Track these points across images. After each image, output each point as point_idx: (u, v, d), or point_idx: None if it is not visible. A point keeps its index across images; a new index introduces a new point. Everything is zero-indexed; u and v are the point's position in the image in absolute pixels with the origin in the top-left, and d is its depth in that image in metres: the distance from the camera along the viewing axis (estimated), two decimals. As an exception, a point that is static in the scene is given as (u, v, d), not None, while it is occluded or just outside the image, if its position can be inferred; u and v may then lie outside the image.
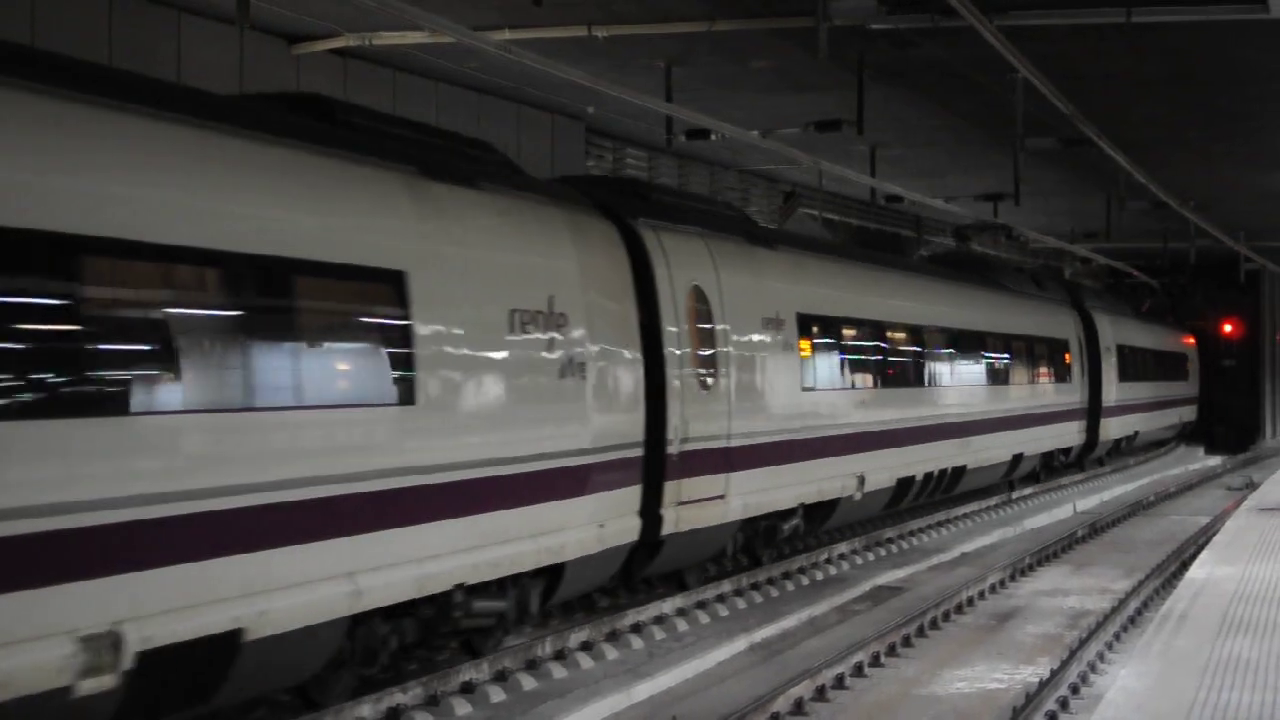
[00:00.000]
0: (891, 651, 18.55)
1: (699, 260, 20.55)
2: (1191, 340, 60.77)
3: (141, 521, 10.76)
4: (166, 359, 11.25)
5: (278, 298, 12.59)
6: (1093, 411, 43.21)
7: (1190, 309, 61.45)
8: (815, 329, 24.20)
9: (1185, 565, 22.19)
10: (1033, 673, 17.31)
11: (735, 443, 20.97)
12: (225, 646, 11.67)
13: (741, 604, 21.41)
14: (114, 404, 10.70)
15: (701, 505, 20.08)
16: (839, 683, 16.74)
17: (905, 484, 28.20)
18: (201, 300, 11.76)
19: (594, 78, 19.90)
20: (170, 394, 11.28)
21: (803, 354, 23.53)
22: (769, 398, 22.31)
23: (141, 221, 11.05)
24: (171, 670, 11.19)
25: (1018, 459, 36.06)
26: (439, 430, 14.45)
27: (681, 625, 19.61)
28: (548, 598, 17.14)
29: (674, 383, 19.32)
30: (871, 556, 26.68)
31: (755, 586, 22.42)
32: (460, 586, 14.89)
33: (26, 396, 10.08)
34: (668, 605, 20.08)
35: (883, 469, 26.68)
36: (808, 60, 20.51)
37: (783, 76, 24.86)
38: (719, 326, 20.71)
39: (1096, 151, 27.38)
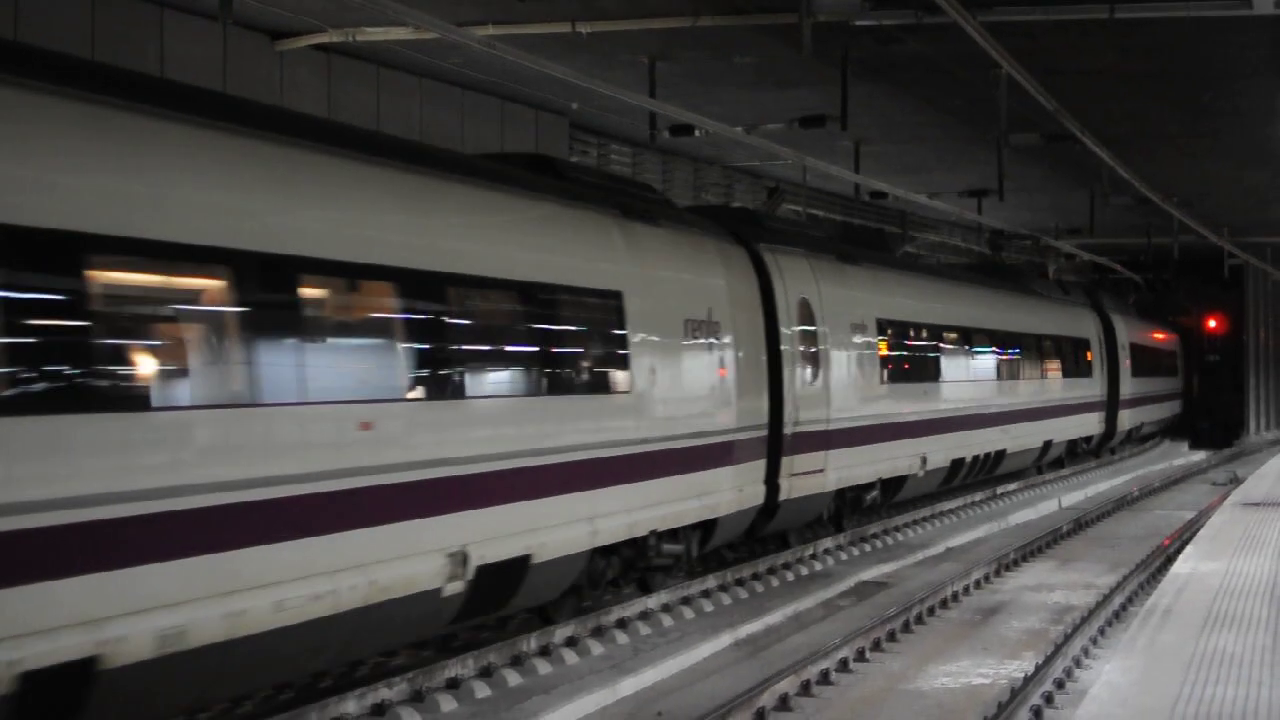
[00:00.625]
0: (876, 647, 18.55)
1: (804, 276, 24.77)
2: (1175, 336, 60.98)
3: (481, 474, 15.27)
4: (509, 360, 16.49)
5: (547, 312, 16.93)
6: (1111, 404, 47.79)
7: (1174, 305, 61.54)
8: (890, 332, 28.63)
9: (1170, 560, 22.22)
10: (1018, 668, 17.32)
11: (832, 426, 25.32)
12: (521, 566, 16.11)
13: (726, 600, 21.41)
14: (475, 390, 15.65)
15: (807, 477, 24.32)
16: (824, 678, 16.74)
17: (958, 464, 32.74)
18: (506, 316, 16.48)
19: (578, 74, 19.91)
20: (512, 385, 16.49)
21: (880, 353, 27.98)
22: (857, 389, 26.64)
23: (464, 261, 15.47)
24: (492, 581, 15.56)
25: (1048, 445, 40.94)
26: (644, 413, 18.87)
27: (667, 621, 19.60)
28: (702, 546, 21.41)
29: (789, 377, 23.58)
30: (856, 552, 26.69)
31: (740, 582, 22.42)
32: (654, 532, 19.33)
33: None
34: (653, 601, 20.07)
35: (941, 451, 31.20)
36: (792, 56, 20.54)
37: (767, 72, 24.88)
38: (820, 330, 24.99)
39: (1080, 147, 27.42)
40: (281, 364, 12.67)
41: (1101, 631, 19.39)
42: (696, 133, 25.83)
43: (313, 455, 12.85)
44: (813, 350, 24.67)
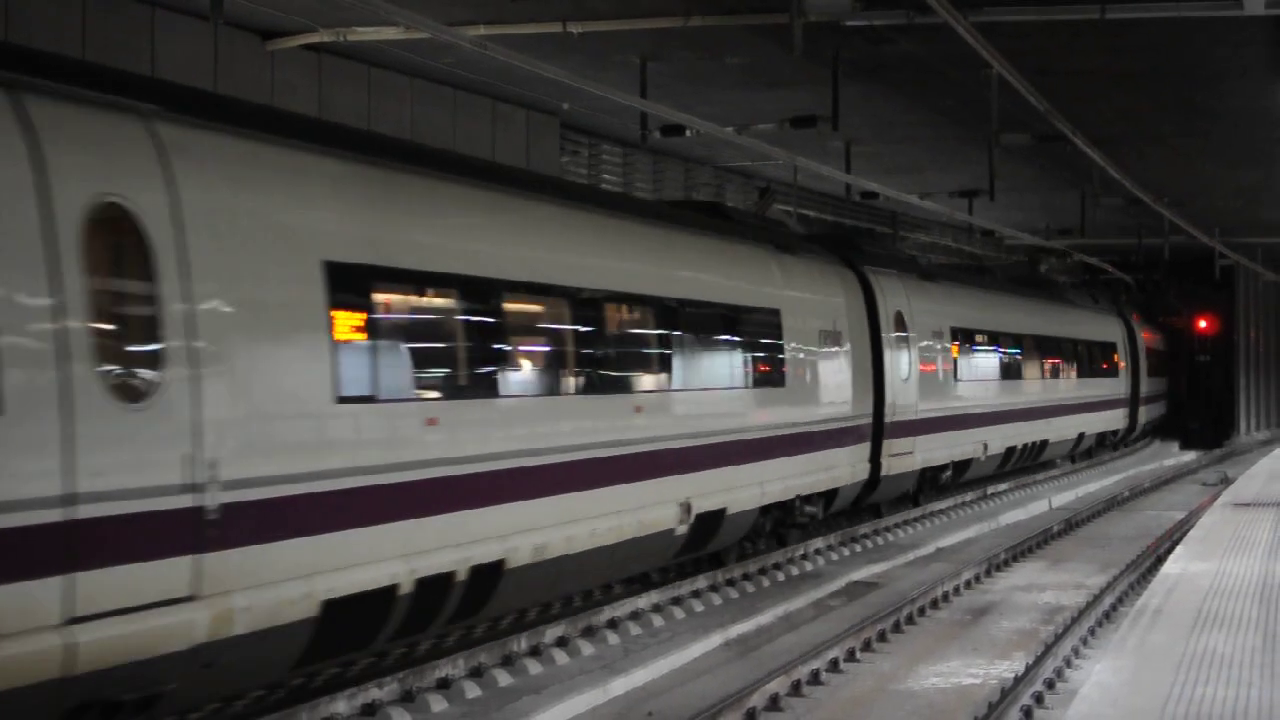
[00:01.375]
0: (867, 647, 18.57)
1: (898, 292, 29.97)
2: (1161, 337, 61.20)
3: (697, 448, 20.47)
4: (710, 363, 21.57)
5: (736, 327, 22.39)
6: (1133, 400, 53.43)
7: (1165, 305, 61.56)
8: (960, 337, 33.75)
9: (1160, 560, 22.24)
10: (1008, 668, 17.34)
11: (919, 416, 30.41)
12: (720, 516, 21.28)
13: (717, 600, 21.43)
14: (690, 384, 20.70)
15: (901, 458, 29.42)
16: (814, 678, 16.75)
17: (1010, 451, 37.85)
18: (711, 331, 21.68)
19: (569, 74, 19.90)
20: (713, 381, 21.51)
21: (953, 355, 33.17)
22: (937, 386, 31.84)
23: (686, 289, 20.84)
24: (704, 526, 20.77)
25: (1082, 436, 46.50)
26: (793, 404, 24.20)
27: (657, 621, 19.62)
28: (825, 510, 26.46)
29: (889, 376, 28.74)
30: (847, 552, 26.71)
31: (730, 583, 22.44)
32: (798, 496, 24.50)
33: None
34: (643, 601, 20.09)
35: (999, 439, 36.47)
36: (782, 56, 20.54)
37: (758, 72, 24.88)
38: (910, 336, 30.10)
39: (1071, 147, 27.42)
40: (583, 365, 17.81)
41: (1092, 632, 19.42)
42: (688, 133, 25.82)
43: (607, 431, 18.12)
44: (905, 353, 29.79)
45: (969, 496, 35.39)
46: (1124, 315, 53.85)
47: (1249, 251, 53.28)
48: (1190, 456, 55.24)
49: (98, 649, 10.50)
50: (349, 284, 13.53)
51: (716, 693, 15.70)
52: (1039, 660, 17.13)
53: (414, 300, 15.13)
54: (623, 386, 18.86)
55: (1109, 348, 49.98)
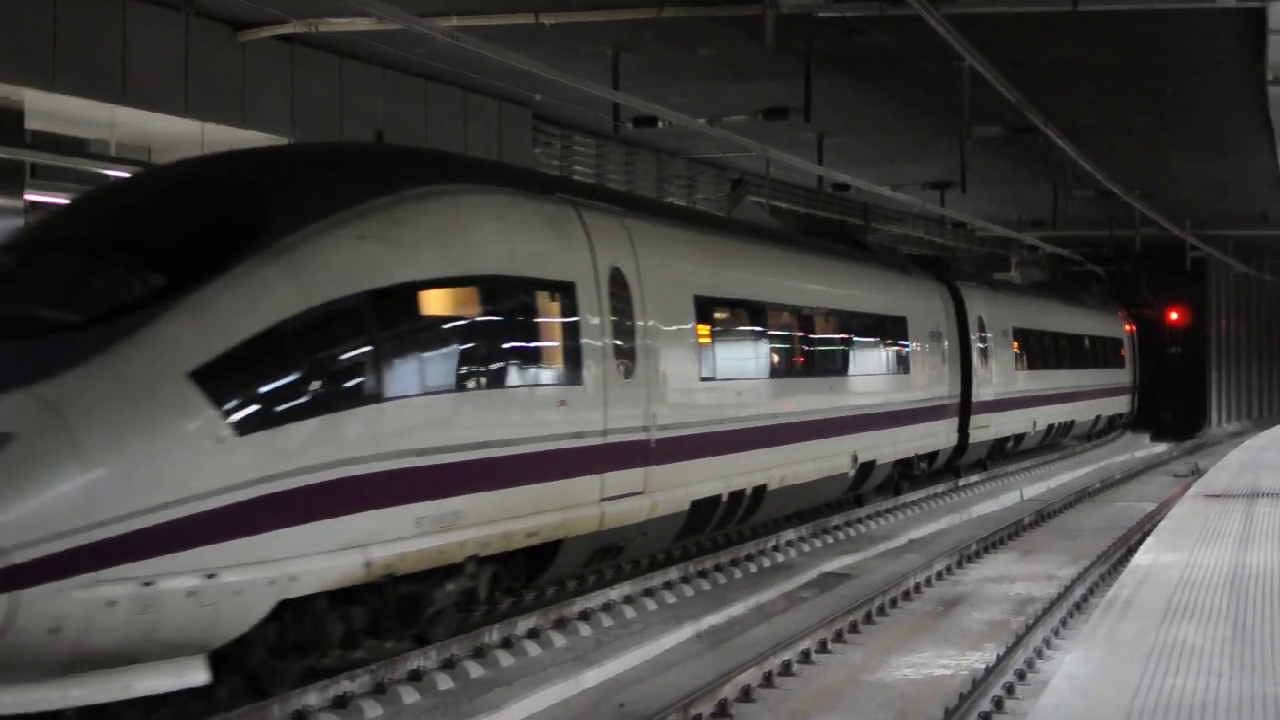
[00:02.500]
0: (839, 638, 18.59)
1: (977, 300, 37.85)
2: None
3: (859, 415, 27.77)
4: (867, 355, 28.97)
5: (880, 329, 29.70)
6: (1134, 389, 59.63)
7: (1136, 296, 61.63)
8: (1019, 336, 41.30)
9: (1131, 551, 22.28)
10: (979, 659, 17.37)
11: (993, 398, 38.33)
12: (872, 465, 28.70)
13: (689, 591, 21.43)
14: (857, 370, 28.23)
15: (981, 429, 37.37)
16: (786, 669, 16.77)
17: (1050, 428, 45.69)
18: (865, 332, 28.67)
19: (541, 65, 19.89)
20: (869, 368, 28.94)
21: (1015, 350, 40.85)
22: (1005, 375, 39.73)
23: (849, 303, 28.02)
24: (862, 472, 27.85)
25: (1098, 418, 53.51)
26: (915, 387, 31.63)
27: (629, 613, 19.61)
28: (930, 466, 34.63)
29: (975, 366, 36.69)
30: (819, 543, 26.73)
31: (702, 574, 22.45)
32: (915, 455, 32.41)
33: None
34: (615, 593, 20.08)
35: (1044, 418, 44.41)
36: (755, 48, 20.52)
37: (730, 64, 24.88)
38: (988, 335, 38.13)
39: (1043, 139, 27.47)
40: (803, 358, 25.57)
41: (1063, 623, 19.45)
42: (660, 124, 25.82)
43: (816, 403, 25.80)
44: (984, 349, 37.64)
45: (940, 488, 35.45)
46: (1126, 312, 59.59)
47: (1220, 243, 53.38)
48: (1161, 448, 55.34)
49: (610, 517, 18.43)
50: (704, 308, 21.34)
51: (688, 684, 15.71)
52: (1010, 651, 17.15)
53: (730, 316, 22.72)
54: (821, 372, 26.55)
55: (1118, 343, 56.82)
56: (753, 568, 23.74)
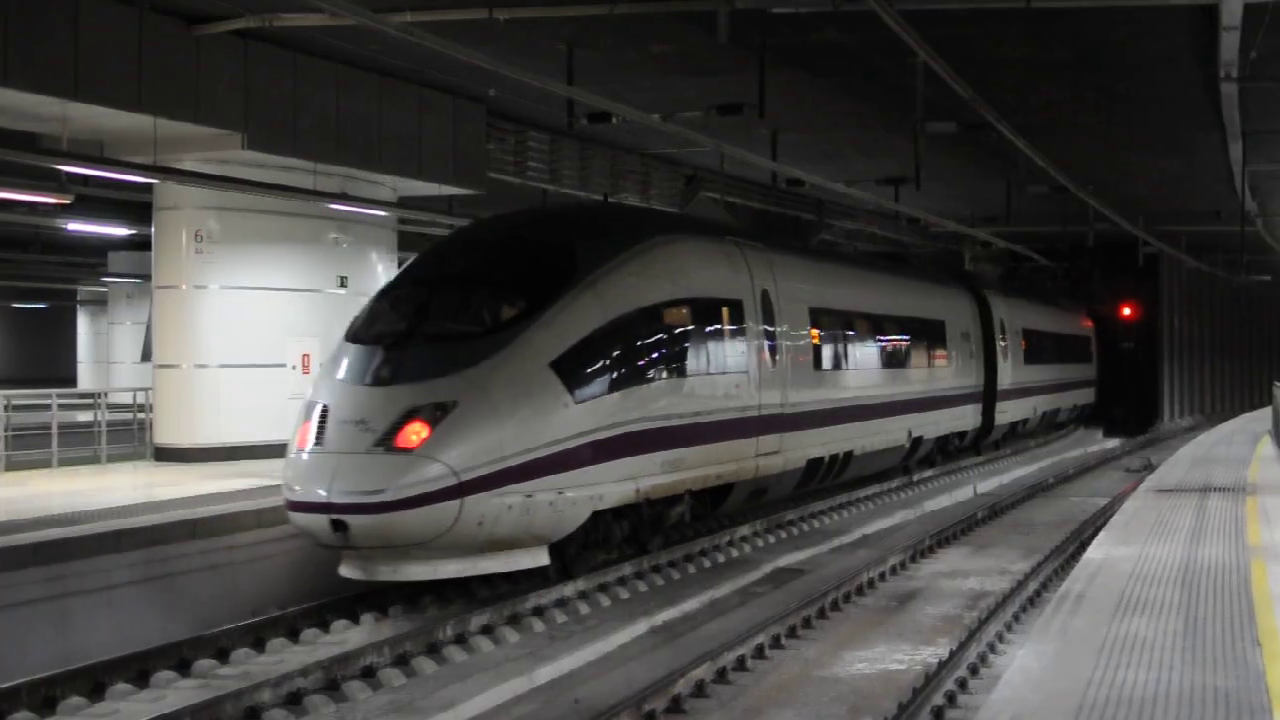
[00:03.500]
0: (792, 633, 18.62)
1: (999, 305, 44.53)
2: None
3: (914, 399, 34.43)
4: (921, 351, 35.67)
5: (925, 330, 35.84)
6: (1097, 381, 63.45)
7: (1090, 292, 61.81)
8: (1026, 336, 47.72)
9: (1084, 546, 22.36)
10: (933, 653, 17.42)
11: (1010, 387, 44.83)
12: (920, 440, 35.24)
13: (642, 587, 21.43)
14: (914, 364, 35.25)
15: (1002, 414, 43.97)
16: (740, 664, 16.79)
17: (1044, 414, 51.91)
18: (916, 334, 35.08)
19: (495, 60, 19.85)
20: (921, 362, 35.68)
21: (1023, 346, 47.10)
22: (1018, 368, 46.04)
23: (905, 308, 35.00)
24: (914, 444, 34.70)
25: (1075, 406, 58.42)
26: (952, 378, 38.06)
27: (583, 608, 19.61)
28: (960, 442, 41.09)
29: (999, 361, 43.21)
30: (772, 539, 26.75)
31: (657, 569, 22.44)
32: (952, 432, 38.93)
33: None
34: (569, 589, 20.07)
35: (1042, 406, 50.94)
36: (710, 43, 20.51)
37: (684, 60, 24.87)
38: (1008, 334, 44.77)
39: (996, 135, 27.52)
40: (875, 353, 32.15)
41: (1016, 617, 19.51)
42: (614, 120, 25.79)
43: (886, 389, 32.21)
44: (1004, 346, 44.14)
45: (894, 484, 35.53)
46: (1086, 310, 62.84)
47: (1173, 239, 53.53)
48: (1114, 443, 55.54)
49: (760, 468, 24.86)
50: (815, 317, 27.74)
51: (643, 679, 15.72)
52: (963, 645, 17.20)
53: (831, 322, 29.06)
54: (887, 365, 33.06)
55: (1088, 340, 61.06)
56: (706, 563, 23.74)
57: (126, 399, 30.82)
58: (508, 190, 31.62)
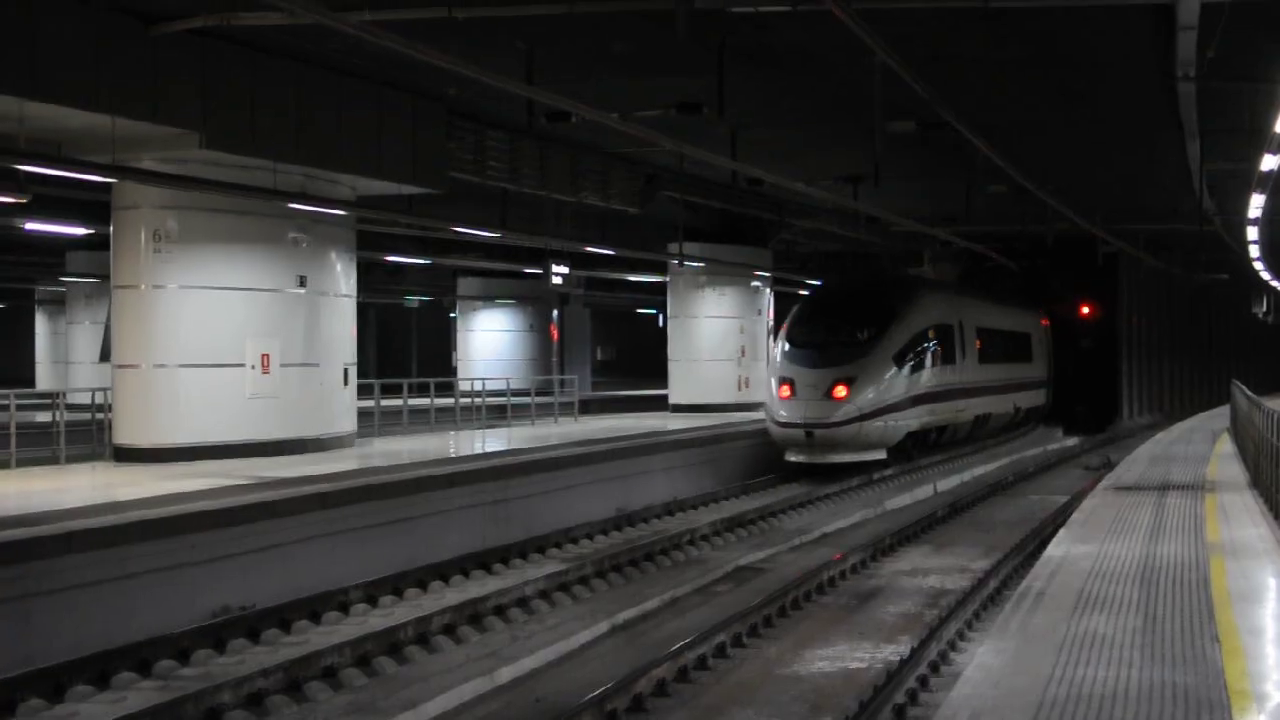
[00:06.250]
0: (753, 632, 18.65)
1: (1051, 317, 58.75)
2: None
3: (1015, 383, 51.75)
4: (1009, 357, 51.93)
5: (1016, 341, 52.56)
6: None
7: (1048, 291, 61.98)
8: (1058, 337, 60.26)
9: (1044, 544, 22.43)
10: (894, 651, 17.47)
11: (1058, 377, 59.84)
12: (1018, 410, 52.52)
13: (604, 587, 21.45)
14: (1010, 359, 51.79)
15: (1056, 396, 58.96)
16: (701, 663, 16.81)
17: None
18: (1011, 343, 51.91)
19: (455, 60, 19.81)
20: (1010, 360, 51.23)
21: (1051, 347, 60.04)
22: (1058, 362, 59.48)
23: (1013, 325, 53.07)
24: (1016, 415, 52.45)
25: None
26: (1033, 371, 55.00)
27: (543, 607, 19.62)
28: (1027, 418, 55.41)
29: (1053, 358, 58.71)
30: (733, 538, 26.80)
31: (618, 569, 22.46)
32: (1034, 406, 55.66)
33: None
34: (529, 588, 20.08)
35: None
36: (669, 42, 20.48)
37: (644, 59, 24.85)
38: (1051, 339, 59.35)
39: (955, 135, 27.56)
40: (996, 354, 48.11)
41: (976, 615, 19.58)
42: (573, 119, 25.74)
43: (1000, 377, 48.04)
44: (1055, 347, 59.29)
45: (854, 482, 35.61)
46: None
47: (1131, 238, 53.70)
48: (1073, 441, 55.75)
49: (958, 418, 43.51)
50: (979, 333, 44.76)
51: (604, 679, 15.71)
52: (924, 644, 17.25)
53: (982, 335, 44.85)
54: (1004, 361, 48.41)
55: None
56: (668, 562, 23.78)
57: (85, 399, 30.64)
58: (468, 190, 31.58)
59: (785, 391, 36.32)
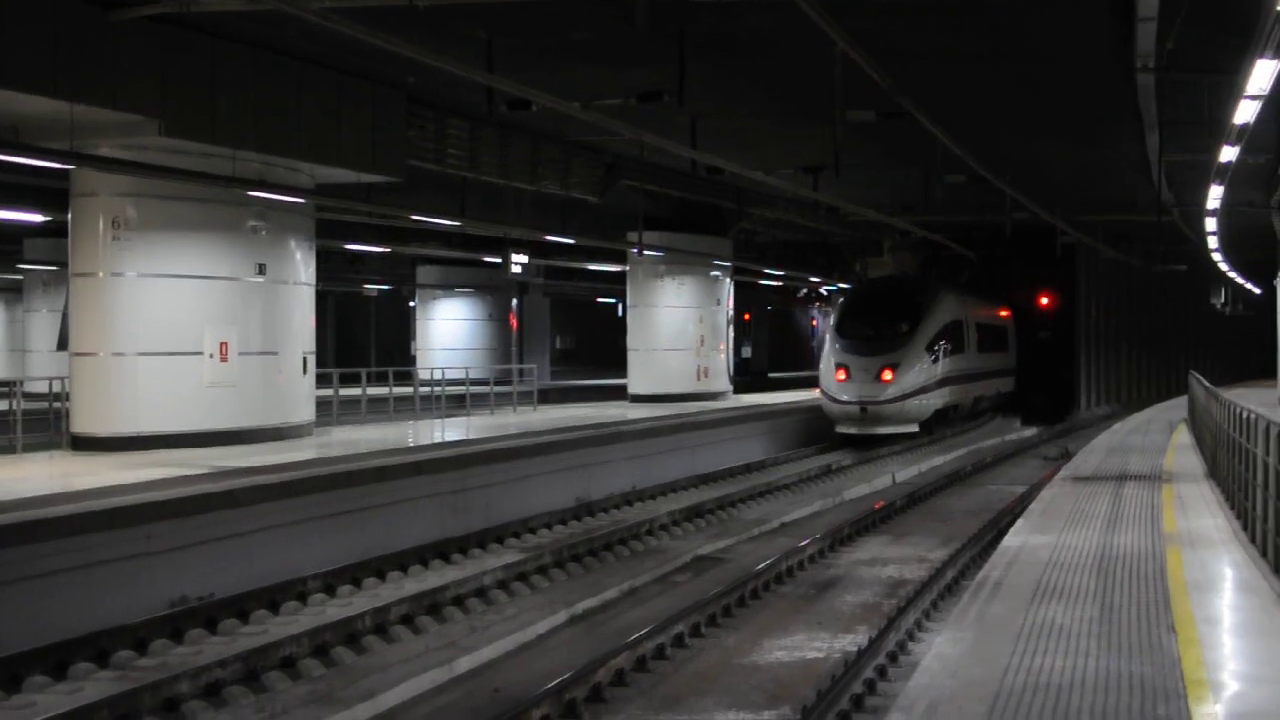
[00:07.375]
0: (712, 621, 18.65)
1: (1015, 315, 62.07)
2: None
3: (993, 371, 56.08)
4: (991, 345, 56.70)
5: (998, 333, 57.73)
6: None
7: (1007, 281, 62.12)
8: (1015, 332, 64.03)
9: (1001, 534, 22.48)
10: (852, 641, 17.50)
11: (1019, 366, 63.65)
12: (1000, 394, 58.26)
13: (563, 577, 21.44)
14: (989, 350, 56.42)
15: (1020, 385, 61.93)
16: (659, 653, 16.82)
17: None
18: (994, 334, 57.05)
19: (415, 47, 19.76)
20: (990, 350, 55.60)
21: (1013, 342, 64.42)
22: (1019, 356, 62.54)
23: (994, 321, 58.48)
24: (997, 397, 58.10)
25: None
26: (1005, 361, 58.61)
27: (502, 597, 19.60)
28: (997, 402, 58.72)
29: (1018, 352, 62.04)
30: (692, 527, 26.81)
31: (577, 559, 22.45)
32: (1005, 391, 58.96)
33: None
34: (488, 578, 20.05)
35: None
36: (629, 31, 20.48)
37: (604, 47, 24.82)
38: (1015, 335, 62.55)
39: (915, 125, 27.58)
40: (985, 345, 53.96)
41: (934, 605, 19.62)
42: (534, 108, 25.70)
43: (987, 366, 54.22)
44: (1018, 342, 62.26)
45: (813, 471, 35.64)
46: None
47: (1089, 229, 53.88)
48: (1031, 431, 55.92)
49: (964, 400, 51.65)
50: (973, 326, 51.08)
51: (562, 668, 15.71)
52: (882, 633, 17.28)
53: (978, 329, 52.10)
54: (990, 351, 53.90)
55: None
56: (626, 552, 23.78)
57: (43, 388, 30.52)
58: (428, 178, 31.53)
59: (841, 375, 44.12)
